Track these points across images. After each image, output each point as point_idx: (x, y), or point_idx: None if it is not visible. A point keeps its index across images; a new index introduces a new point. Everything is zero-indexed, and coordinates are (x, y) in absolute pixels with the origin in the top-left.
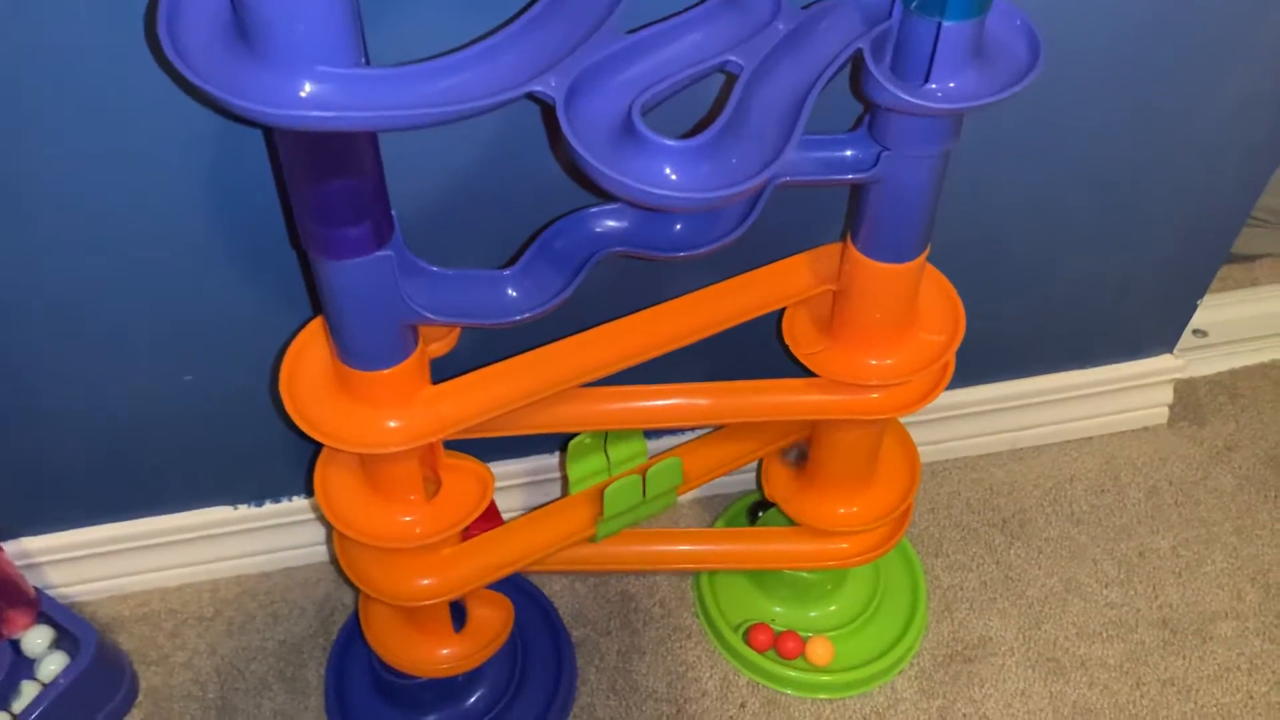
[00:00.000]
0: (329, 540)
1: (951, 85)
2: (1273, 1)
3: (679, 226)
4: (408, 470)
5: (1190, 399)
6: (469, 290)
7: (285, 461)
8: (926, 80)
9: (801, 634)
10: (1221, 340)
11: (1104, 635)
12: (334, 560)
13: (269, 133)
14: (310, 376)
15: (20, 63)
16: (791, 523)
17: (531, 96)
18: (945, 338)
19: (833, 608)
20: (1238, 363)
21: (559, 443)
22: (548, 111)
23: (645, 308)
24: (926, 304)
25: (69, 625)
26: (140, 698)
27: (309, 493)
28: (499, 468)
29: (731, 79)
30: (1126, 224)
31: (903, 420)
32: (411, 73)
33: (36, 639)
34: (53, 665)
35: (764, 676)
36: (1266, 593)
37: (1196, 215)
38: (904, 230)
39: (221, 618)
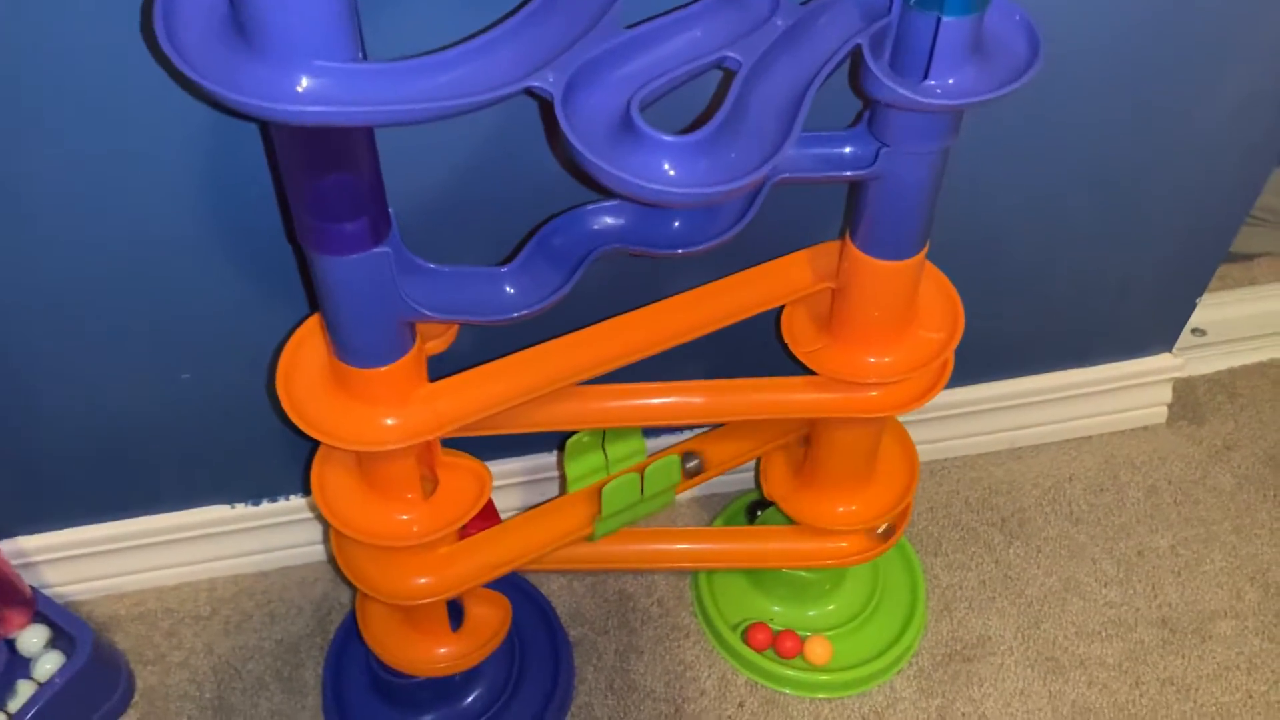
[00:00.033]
0: (326, 539)
1: (951, 81)
2: (1272, 1)
3: (677, 223)
4: (405, 468)
5: (1189, 398)
6: (466, 287)
7: (282, 460)
8: (926, 76)
9: (800, 633)
10: (1220, 339)
11: (1103, 634)
12: (331, 559)
13: (265, 128)
14: (307, 374)
15: (18, 63)
16: (790, 521)
17: (529, 92)
18: (944, 336)
19: (831, 607)
20: (1236, 362)
21: (557, 441)
22: (546, 107)
23: (643, 305)
24: (925, 302)
25: (65, 624)
26: (136, 697)
27: (306, 491)
28: (497, 466)
29: (730, 75)
30: (1126, 223)
31: (901, 419)
32: (408, 68)
33: (32, 638)
34: (49, 664)
35: (762, 676)
36: (1265, 592)
37: (1196, 214)
38: (903, 227)
39: (218, 617)
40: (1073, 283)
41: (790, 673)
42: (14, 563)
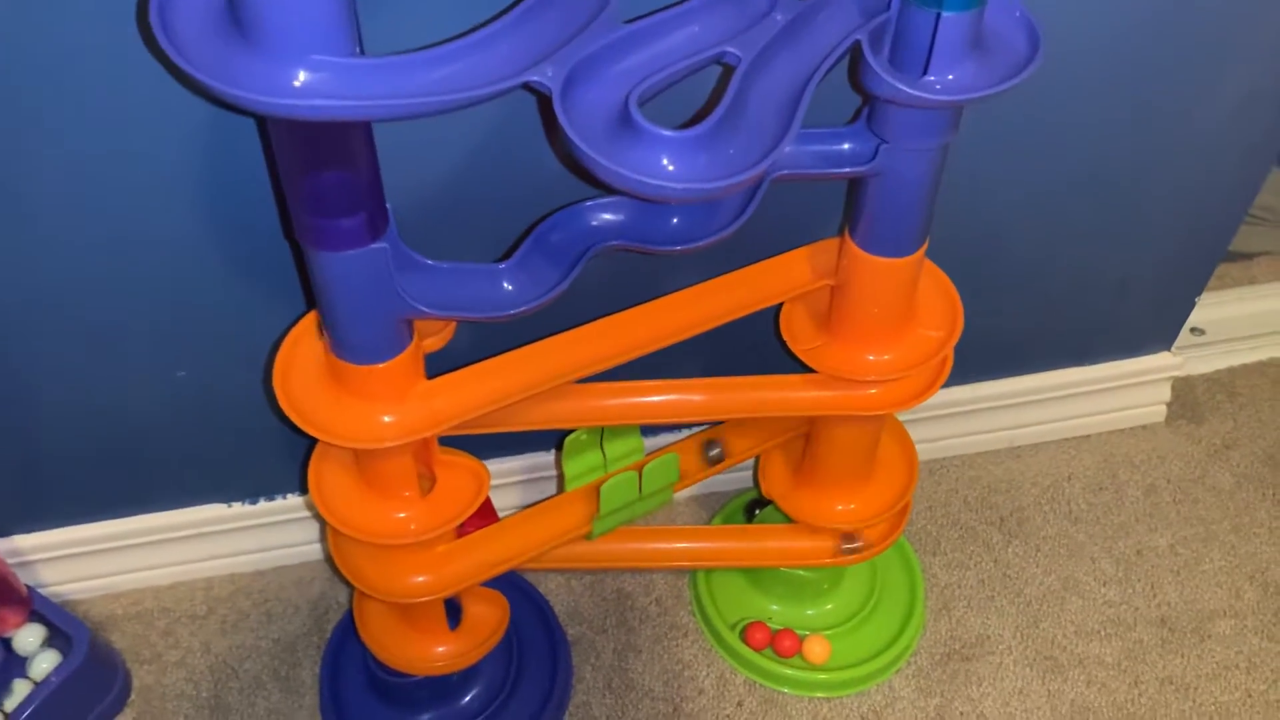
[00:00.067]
0: (323, 538)
1: (950, 77)
2: (1272, 1)
3: (676, 220)
4: (402, 466)
5: (1188, 397)
6: (464, 284)
7: (279, 458)
8: (925, 72)
9: (798, 632)
10: (1219, 338)
11: (1102, 633)
12: (328, 558)
13: (263, 123)
14: (304, 371)
15: (18, 63)
16: (788, 520)
17: (527, 87)
18: (943, 333)
19: (830, 606)
20: (1235, 361)
21: (554, 440)
22: (544, 102)
23: (642, 302)
24: (925, 299)
25: (61, 623)
26: (133, 696)
27: (303, 490)
28: (494, 465)
29: (729, 70)
30: (1125, 221)
31: (900, 417)
32: (406, 62)
33: (28, 637)
34: (45, 664)
35: (761, 675)
36: (1265, 591)
37: (1195, 213)
38: (902, 224)
39: (215, 616)
40: (1072, 281)
41: (788, 672)
42: (10, 561)
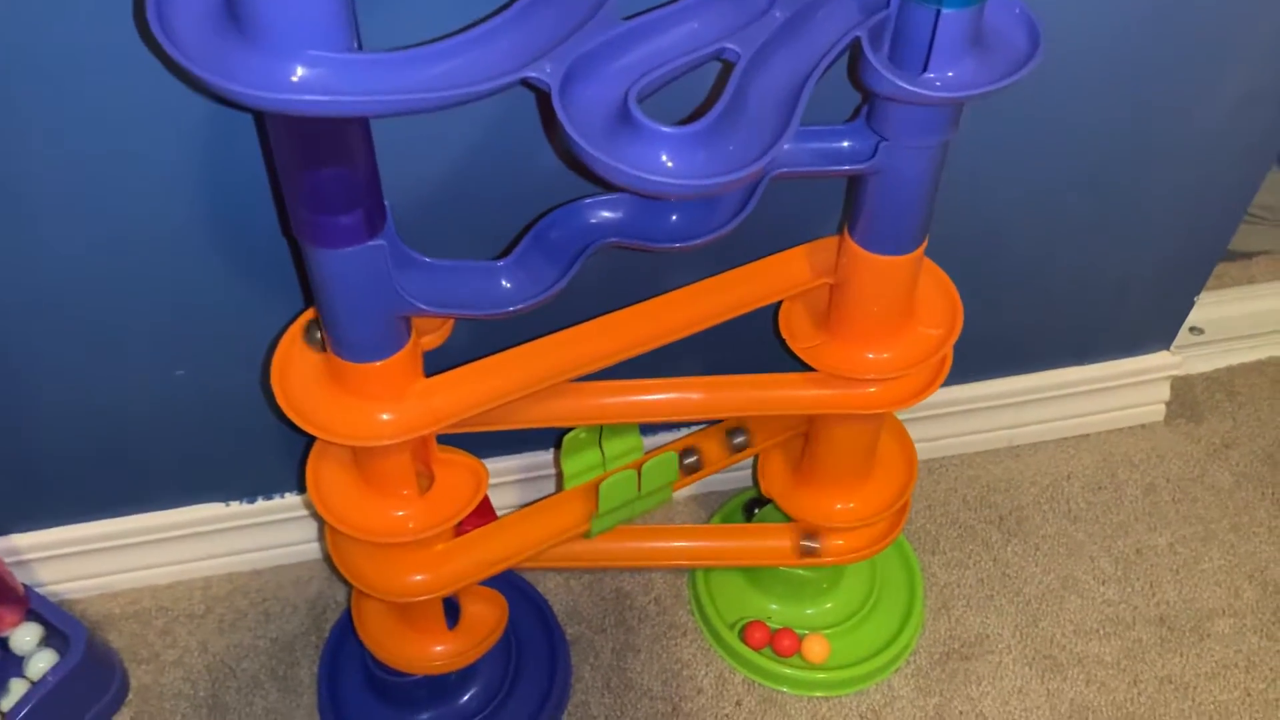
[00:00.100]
0: (321, 537)
1: (950, 74)
2: (1271, 1)
3: (675, 217)
4: (400, 464)
5: (1187, 396)
6: (462, 281)
7: (277, 457)
8: (925, 69)
9: (797, 631)
10: (1218, 337)
11: (1101, 633)
12: (326, 558)
13: (261, 120)
14: (302, 369)
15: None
16: (787, 519)
17: (526, 83)
18: (943, 332)
19: (829, 605)
20: (1234, 360)
21: (553, 439)
22: (543, 98)
23: (641, 300)
24: (924, 298)
25: (58, 623)
26: (130, 696)
27: (301, 489)
28: (493, 464)
29: (728, 67)
30: (1124, 220)
31: (899, 416)
32: (404, 58)
33: (25, 636)
34: (42, 663)
35: (760, 674)
36: (1264, 590)
37: (1194, 212)
38: (902, 222)
39: (213, 615)
40: (1071, 280)
41: (788, 671)
42: (7, 560)
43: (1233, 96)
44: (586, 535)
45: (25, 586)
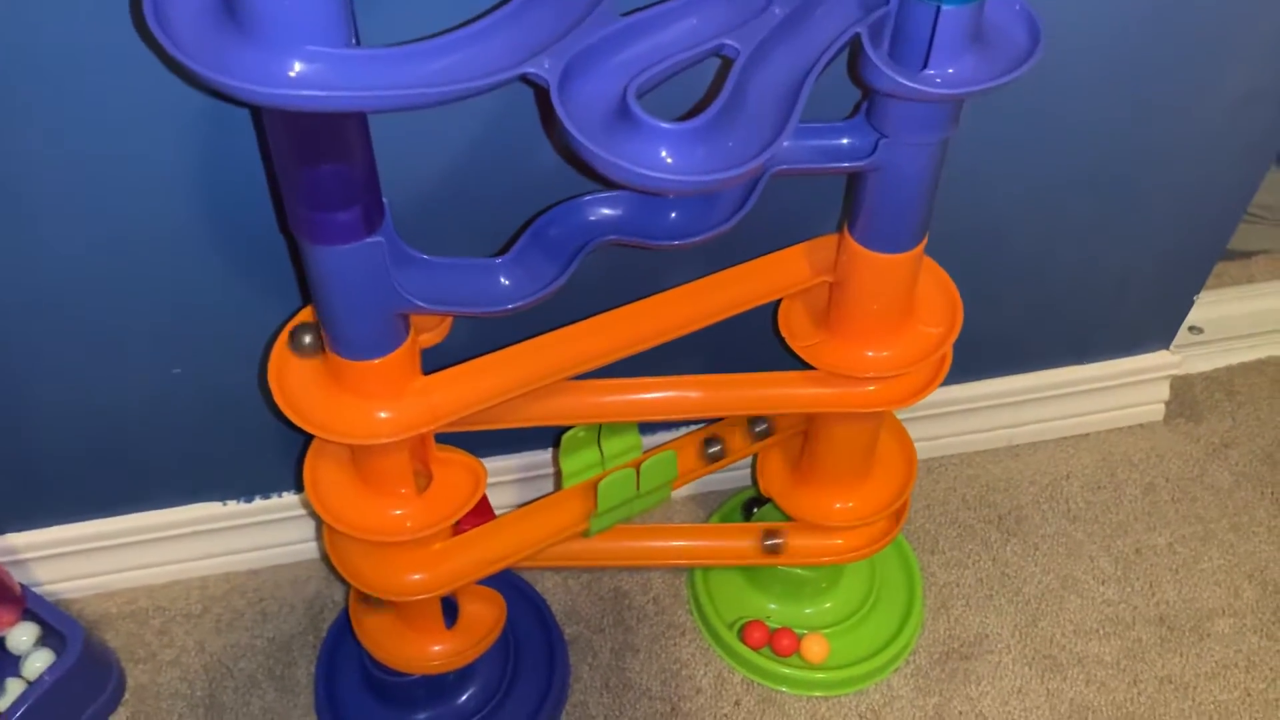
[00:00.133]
0: (319, 537)
1: (950, 70)
2: (1271, 0)
3: (674, 214)
4: (398, 463)
5: (1187, 396)
6: (461, 278)
7: (275, 456)
8: (925, 65)
9: (797, 631)
10: (1218, 337)
11: (1101, 632)
12: (324, 557)
13: (258, 116)
14: (300, 367)
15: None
16: (787, 518)
17: (525, 79)
18: (943, 330)
19: (828, 605)
20: (1234, 359)
21: (552, 438)
22: (542, 95)
23: (640, 298)
24: (924, 296)
25: (55, 622)
26: (127, 695)
27: (299, 488)
28: (491, 463)
29: (727, 63)
30: (1124, 219)
31: (899, 415)
32: (403, 53)
33: (22, 636)
34: (38, 662)
35: (759, 674)
36: (1264, 589)
37: (1193, 211)
38: (902, 219)
39: (210, 615)
40: (1071, 278)
41: (787, 671)
42: (4, 560)
43: (1232, 96)
44: (585, 534)
45: (22, 586)
